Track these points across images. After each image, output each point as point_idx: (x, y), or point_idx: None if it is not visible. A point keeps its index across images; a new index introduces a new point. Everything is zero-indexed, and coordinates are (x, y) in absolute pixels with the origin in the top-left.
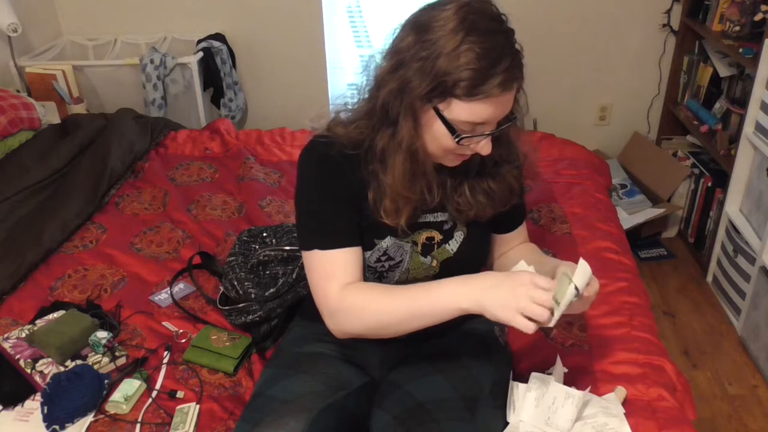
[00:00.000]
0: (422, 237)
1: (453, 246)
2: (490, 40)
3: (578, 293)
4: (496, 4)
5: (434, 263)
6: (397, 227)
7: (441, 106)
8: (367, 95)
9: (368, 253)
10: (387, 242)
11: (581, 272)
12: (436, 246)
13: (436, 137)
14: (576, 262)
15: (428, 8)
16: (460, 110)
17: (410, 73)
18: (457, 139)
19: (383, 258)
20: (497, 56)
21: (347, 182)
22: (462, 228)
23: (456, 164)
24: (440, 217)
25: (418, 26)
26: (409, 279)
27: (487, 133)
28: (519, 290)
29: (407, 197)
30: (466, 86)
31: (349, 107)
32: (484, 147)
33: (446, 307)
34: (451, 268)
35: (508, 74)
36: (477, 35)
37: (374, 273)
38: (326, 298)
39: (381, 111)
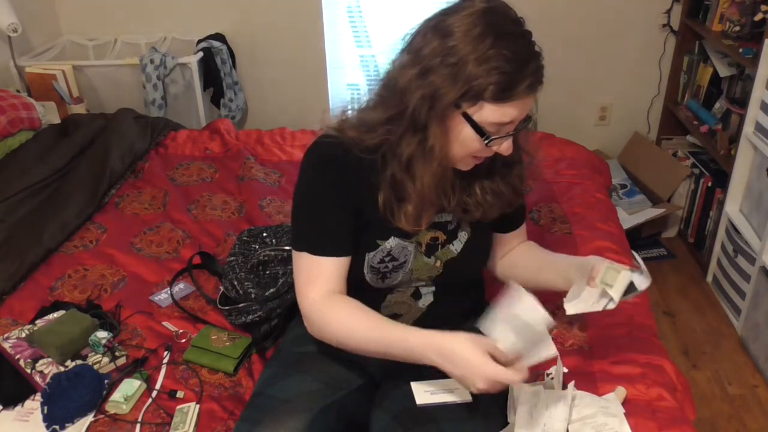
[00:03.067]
0: (427, 237)
1: (457, 246)
2: (516, 43)
3: (646, 276)
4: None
5: (437, 263)
6: (418, 233)
7: (471, 111)
8: (382, 101)
9: (371, 254)
10: (391, 243)
11: (640, 262)
12: (440, 246)
13: (464, 141)
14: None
15: (448, 12)
16: (489, 113)
17: (440, 79)
18: (486, 142)
19: (387, 258)
20: (524, 59)
21: (351, 186)
22: (466, 228)
23: (470, 167)
24: (445, 217)
25: (440, 32)
26: (412, 279)
27: (511, 132)
28: (480, 374)
29: (433, 202)
30: (496, 90)
31: (360, 109)
32: (508, 147)
33: (408, 358)
34: (454, 269)
35: (534, 77)
36: (504, 39)
37: (377, 273)
38: (304, 301)
39: (410, 118)
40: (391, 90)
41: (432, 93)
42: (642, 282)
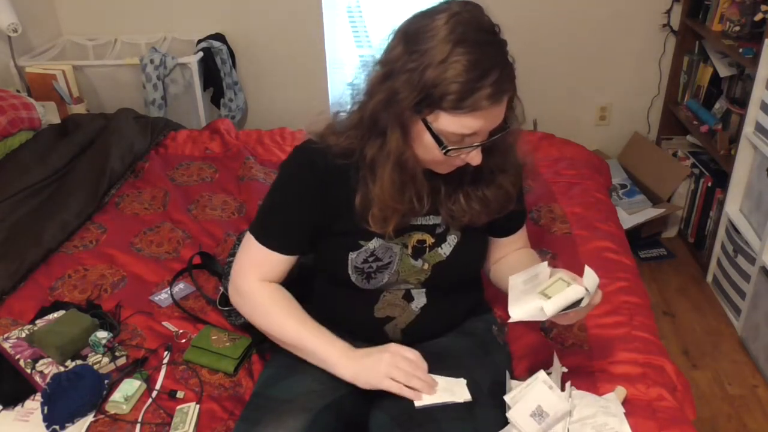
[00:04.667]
0: (413, 240)
1: (446, 250)
2: (479, 51)
3: (588, 294)
4: (489, 14)
5: (425, 266)
6: (384, 235)
7: (429, 118)
8: (358, 104)
9: (354, 254)
10: (374, 243)
11: (589, 277)
12: (427, 249)
13: (426, 148)
14: (576, 262)
15: (420, 17)
16: (447, 122)
17: (398, 84)
18: (444, 151)
19: (370, 259)
20: (485, 69)
21: (328, 191)
22: (456, 232)
23: (448, 172)
24: (432, 220)
25: (408, 36)
26: (399, 281)
27: (475, 144)
28: (384, 357)
29: (395, 208)
30: (453, 99)
31: (343, 114)
32: (474, 158)
33: (320, 362)
34: (443, 272)
35: (496, 87)
36: (466, 47)
37: (362, 274)
38: (241, 279)
39: (370, 121)
40: (363, 93)
41: (390, 97)
42: (586, 299)
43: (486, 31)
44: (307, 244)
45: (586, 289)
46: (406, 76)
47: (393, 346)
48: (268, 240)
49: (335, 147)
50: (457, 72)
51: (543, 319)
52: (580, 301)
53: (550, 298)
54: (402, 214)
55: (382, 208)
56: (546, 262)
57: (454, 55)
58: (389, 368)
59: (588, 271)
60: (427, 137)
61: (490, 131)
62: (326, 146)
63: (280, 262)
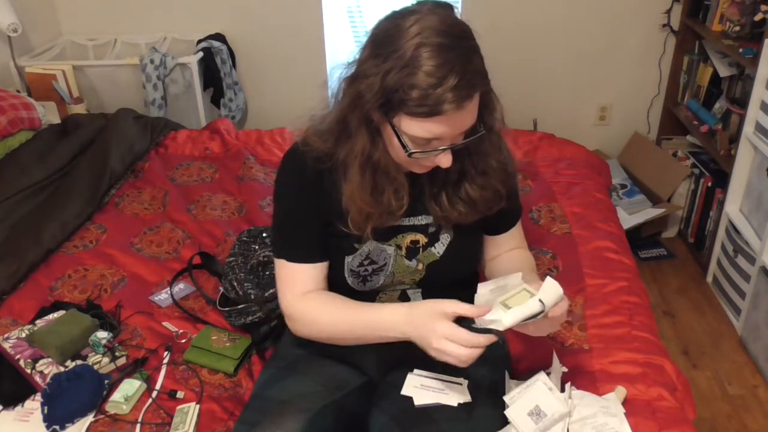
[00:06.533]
0: (406, 240)
1: (439, 249)
2: (440, 56)
3: (544, 309)
4: (458, 14)
5: (419, 266)
6: (362, 236)
7: (395, 121)
8: (333, 105)
9: (350, 257)
10: (368, 246)
11: (549, 289)
12: (421, 249)
13: (396, 149)
14: (576, 262)
15: (390, 18)
16: (410, 126)
17: (362, 87)
18: (407, 154)
19: (366, 262)
20: (444, 74)
21: (321, 195)
22: (448, 231)
23: (423, 172)
24: (424, 220)
25: (376, 38)
26: (394, 282)
27: (441, 148)
28: (435, 332)
29: (368, 210)
30: (413, 105)
31: (319, 115)
32: (443, 160)
33: (383, 335)
34: (437, 271)
35: (455, 93)
36: (428, 52)
37: (357, 277)
38: (285, 302)
39: (340, 123)
40: (335, 95)
41: (355, 100)
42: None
43: (451, 35)
44: (328, 247)
45: (541, 301)
46: (370, 81)
47: (439, 329)
48: (290, 254)
49: (318, 150)
50: (417, 78)
51: (501, 329)
52: (540, 313)
53: (510, 308)
54: (378, 215)
55: (355, 209)
56: (520, 273)
57: (414, 61)
58: (441, 345)
59: (549, 282)
60: (395, 139)
61: (465, 133)
62: (311, 149)
63: (312, 273)
